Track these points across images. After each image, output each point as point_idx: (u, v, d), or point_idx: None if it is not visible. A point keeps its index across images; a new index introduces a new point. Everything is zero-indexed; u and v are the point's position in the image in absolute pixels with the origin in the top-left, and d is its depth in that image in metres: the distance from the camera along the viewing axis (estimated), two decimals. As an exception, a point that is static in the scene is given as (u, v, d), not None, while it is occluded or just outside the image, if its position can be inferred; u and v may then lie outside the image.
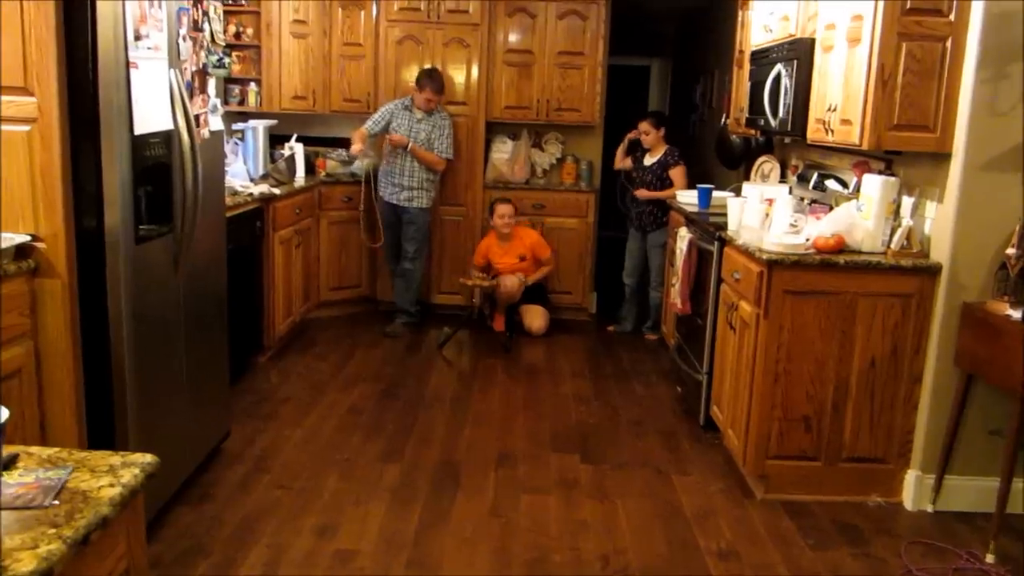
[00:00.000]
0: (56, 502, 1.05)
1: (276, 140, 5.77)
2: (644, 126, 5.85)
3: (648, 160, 5.86)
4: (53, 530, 0.99)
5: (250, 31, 5.70)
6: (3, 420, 0.95)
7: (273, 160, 5.57)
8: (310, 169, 6.02)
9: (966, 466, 3.38)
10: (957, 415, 3.33)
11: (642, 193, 5.80)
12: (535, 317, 5.87)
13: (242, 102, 5.80)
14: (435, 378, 4.89)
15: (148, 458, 1.19)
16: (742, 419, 3.58)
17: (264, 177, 5.30)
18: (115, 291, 2.67)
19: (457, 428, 4.15)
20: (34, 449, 1.18)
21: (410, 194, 5.73)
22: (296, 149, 5.73)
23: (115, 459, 1.18)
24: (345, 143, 6.40)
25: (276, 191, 4.97)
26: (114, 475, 1.13)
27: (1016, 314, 2.99)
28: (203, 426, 3.45)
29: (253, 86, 5.78)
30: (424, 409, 4.38)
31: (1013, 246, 3.09)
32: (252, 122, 5.48)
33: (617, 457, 3.89)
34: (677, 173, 5.74)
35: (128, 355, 2.74)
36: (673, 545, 3.11)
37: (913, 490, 3.43)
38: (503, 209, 5.85)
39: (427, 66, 5.88)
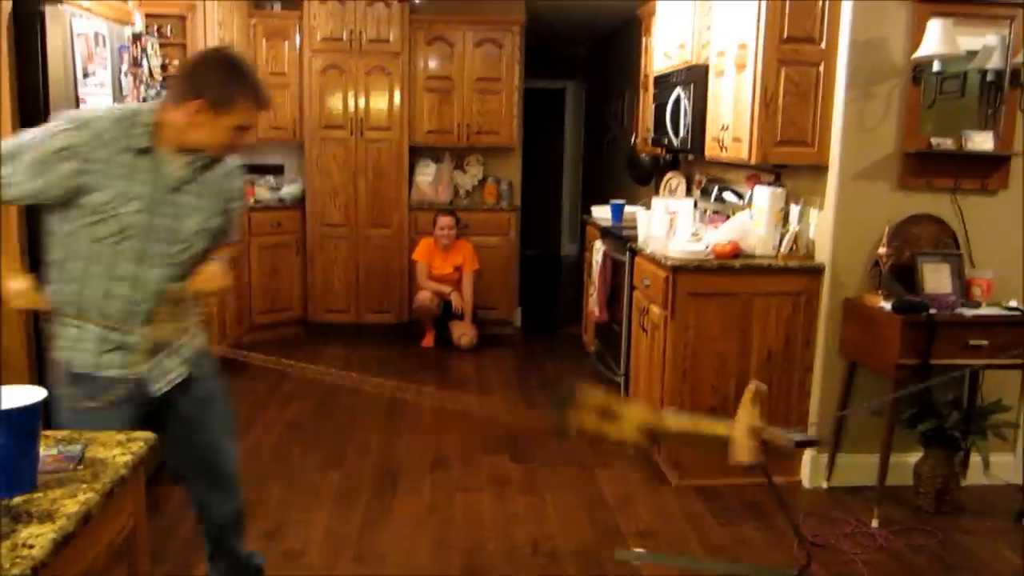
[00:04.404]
0: (81, 467, 1.28)
1: (204, 168, 5.91)
2: (448, 221, 6.08)
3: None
4: (85, 485, 1.21)
5: (175, 62, 5.83)
6: (41, 398, 1.17)
7: (202, 188, 5.71)
8: (239, 196, 6.18)
9: (854, 444, 3.77)
10: (844, 399, 3.72)
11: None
12: (464, 332, 6.14)
13: (169, 132, 5.93)
14: (369, 393, 5.10)
15: (148, 434, 1.42)
16: (656, 413, 3.90)
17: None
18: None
19: (393, 437, 4.38)
20: (48, 432, 1.40)
21: (184, 349, 2.35)
22: (225, 177, 5.89)
23: (120, 436, 1.41)
24: (273, 170, 6.60)
25: (208, 218, 5.13)
26: (123, 447, 1.36)
27: (887, 305, 3.39)
28: (149, 443, 3.59)
29: (180, 116, 5.91)
30: (360, 421, 4.59)
31: (884, 246, 3.51)
32: (180, 151, 5.62)
33: (545, 456, 4.17)
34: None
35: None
36: (597, 529, 3.41)
37: (810, 469, 3.81)
38: (444, 221, 6.09)
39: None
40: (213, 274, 2.28)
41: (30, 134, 2.04)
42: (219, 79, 2.12)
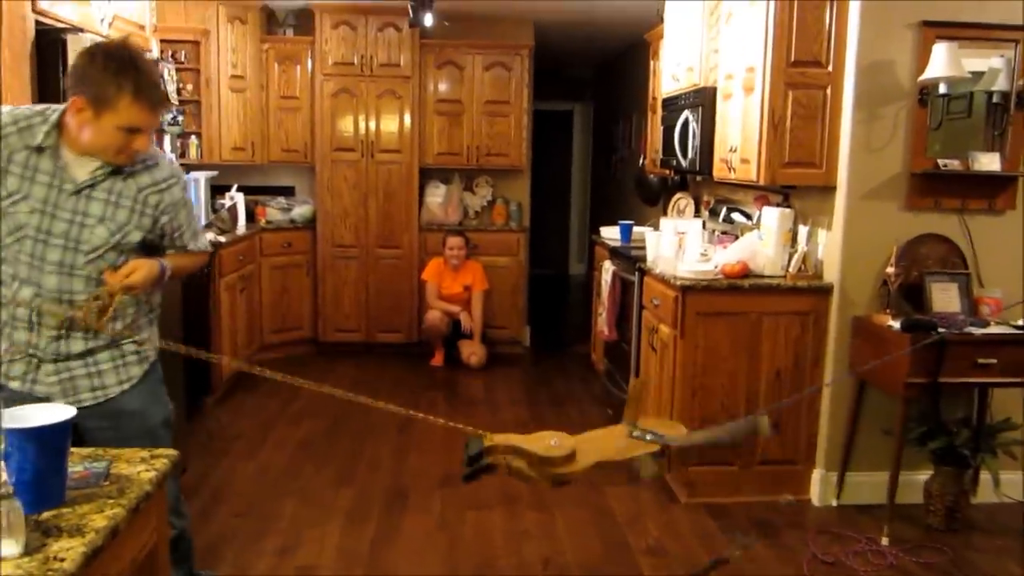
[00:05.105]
0: (107, 483, 1.32)
1: (217, 190, 5.99)
2: (457, 242, 6.15)
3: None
4: (112, 500, 1.25)
5: (189, 87, 5.93)
6: (71, 415, 1.21)
7: (215, 210, 5.79)
8: (250, 217, 6.27)
9: (863, 463, 3.77)
10: (853, 418, 3.74)
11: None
12: (473, 351, 6.17)
13: (183, 154, 6.01)
14: (380, 412, 5.11)
15: (172, 452, 1.46)
16: (666, 432, 3.92)
17: (208, 226, 5.51)
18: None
19: (403, 455, 4.41)
20: (74, 449, 1.44)
21: (108, 362, 2.21)
22: (237, 198, 5.98)
23: (144, 453, 1.44)
24: (284, 191, 6.69)
25: (221, 239, 5.20)
26: (147, 464, 1.39)
27: (896, 324, 3.41)
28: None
29: (193, 139, 6.00)
30: (371, 439, 4.62)
31: (892, 265, 3.54)
32: (194, 174, 5.69)
33: (554, 474, 4.18)
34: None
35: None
36: (607, 546, 3.42)
37: (819, 487, 3.81)
38: (453, 241, 6.16)
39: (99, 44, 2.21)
40: (132, 268, 2.08)
41: None
42: (100, 74, 1.94)
